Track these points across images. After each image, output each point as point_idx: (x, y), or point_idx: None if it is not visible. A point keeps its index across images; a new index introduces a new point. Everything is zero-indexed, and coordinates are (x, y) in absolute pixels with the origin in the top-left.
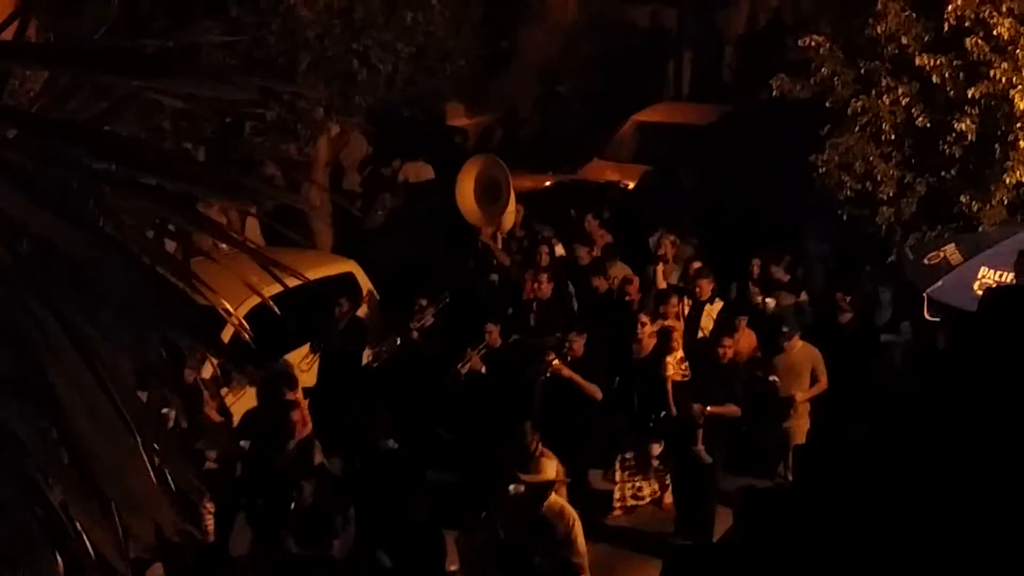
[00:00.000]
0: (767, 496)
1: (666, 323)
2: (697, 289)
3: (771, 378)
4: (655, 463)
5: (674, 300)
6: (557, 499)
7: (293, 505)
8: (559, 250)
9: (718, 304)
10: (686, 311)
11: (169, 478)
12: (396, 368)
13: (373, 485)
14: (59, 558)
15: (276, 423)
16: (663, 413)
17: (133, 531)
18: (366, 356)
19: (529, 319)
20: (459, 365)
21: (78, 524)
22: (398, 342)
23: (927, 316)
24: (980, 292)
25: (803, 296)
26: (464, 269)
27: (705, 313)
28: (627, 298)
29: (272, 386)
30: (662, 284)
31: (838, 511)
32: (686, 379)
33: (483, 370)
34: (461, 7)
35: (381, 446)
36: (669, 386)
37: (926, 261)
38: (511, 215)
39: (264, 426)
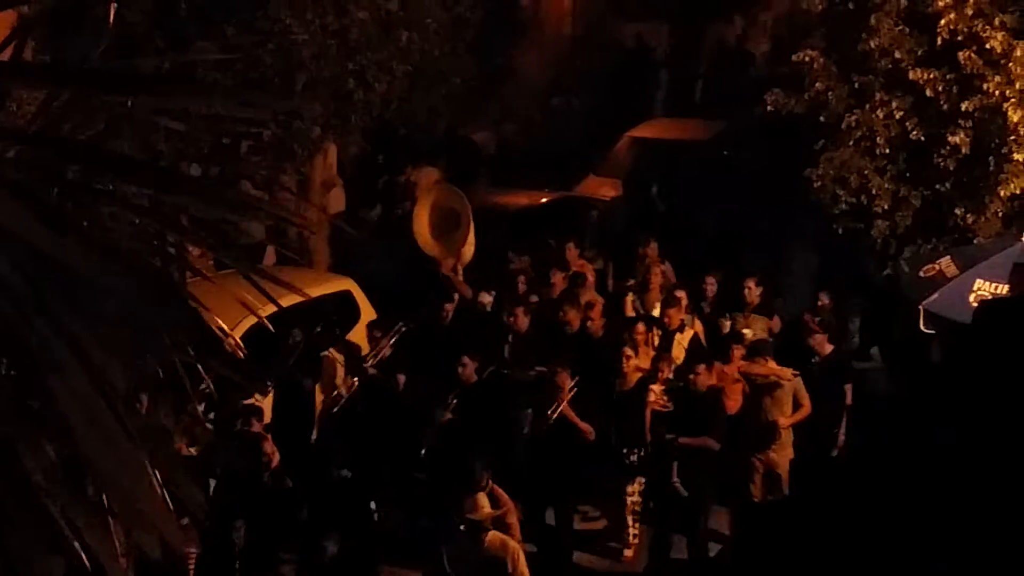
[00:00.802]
0: (761, 511)
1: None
2: (666, 319)
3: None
4: (632, 502)
5: (640, 328)
6: (496, 534)
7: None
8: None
9: (688, 333)
10: (656, 341)
11: (172, 493)
12: (357, 412)
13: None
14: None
15: (248, 456)
16: (642, 451)
17: (139, 545)
18: (320, 397)
19: (503, 352)
20: (438, 412)
21: (77, 535)
22: (354, 384)
23: (922, 328)
24: (975, 304)
25: (775, 320)
26: (426, 298)
27: (676, 342)
28: (589, 323)
29: (239, 419)
30: (630, 312)
31: (833, 526)
32: (666, 410)
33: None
34: (456, 26)
35: (334, 476)
36: (648, 414)
37: (921, 274)
38: (471, 246)
39: (235, 459)
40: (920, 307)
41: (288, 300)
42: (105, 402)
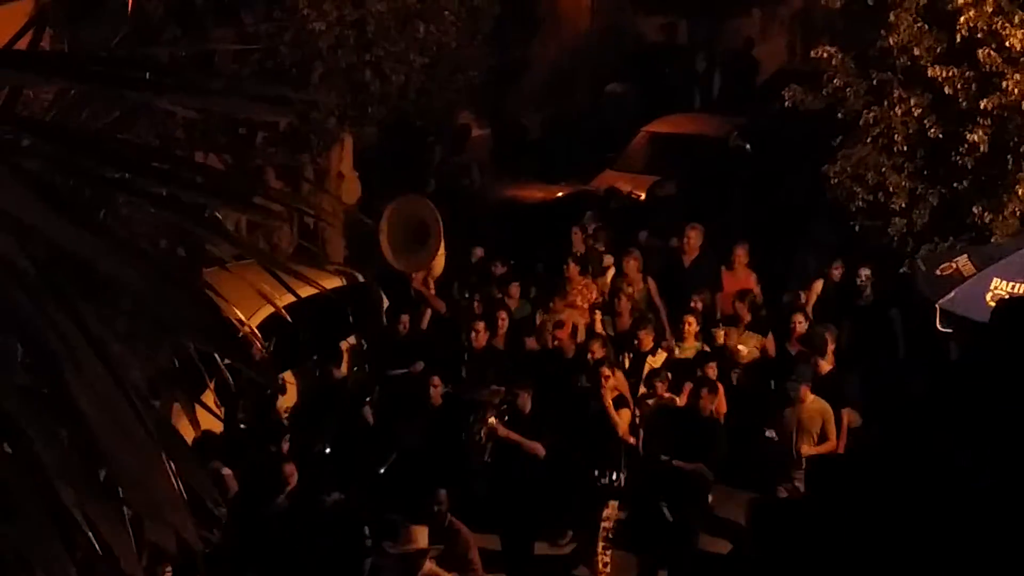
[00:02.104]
0: (777, 506)
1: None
2: (636, 340)
3: (768, 433)
4: (605, 528)
5: (595, 347)
6: (432, 567)
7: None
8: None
9: (660, 356)
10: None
11: (185, 486)
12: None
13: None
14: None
15: (268, 475)
16: (615, 474)
17: (153, 539)
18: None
19: (462, 371)
20: (406, 438)
21: (91, 526)
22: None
23: (939, 327)
24: (992, 303)
25: (769, 337)
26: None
27: (647, 365)
28: (555, 343)
29: (263, 439)
30: (599, 329)
31: (850, 522)
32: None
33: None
34: (474, 18)
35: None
36: (624, 431)
37: (938, 272)
38: (442, 258)
39: (252, 478)
40: (937, 305)
41: (305, 291)
42: (122, 394)
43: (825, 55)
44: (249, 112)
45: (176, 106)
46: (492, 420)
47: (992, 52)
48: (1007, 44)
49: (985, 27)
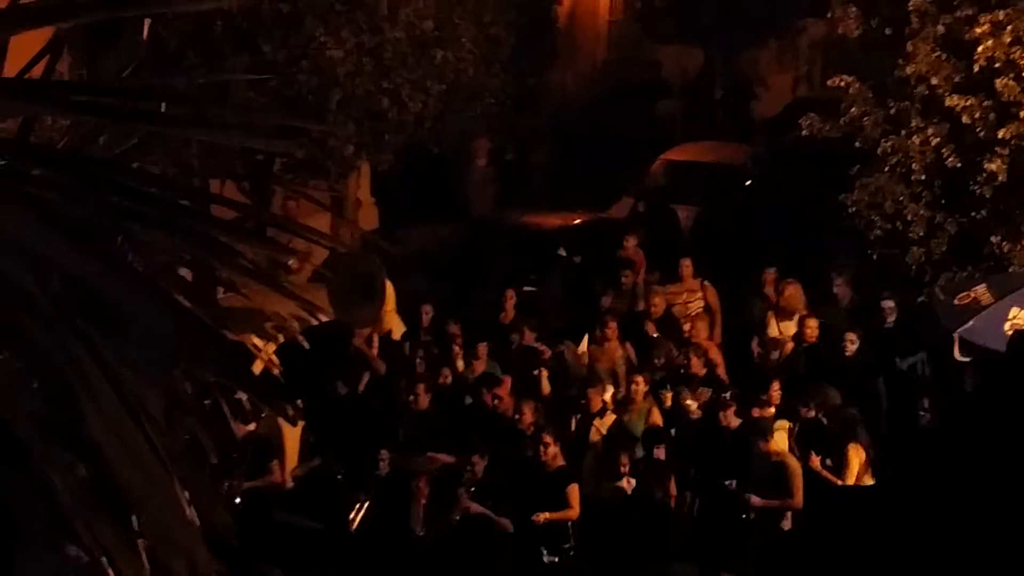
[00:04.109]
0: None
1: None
2: (584, 401)
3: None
4: None
5: (525, 410)
6: None
7: None
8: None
9: (609, 418)
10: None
11: (200, 515)
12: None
13: None
14: None
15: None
16: (568, 545)
17: (168, 567)
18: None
19: (398, 434)
20: (351, 515)
21: (106, 558)
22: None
23: (957, 356)
24: (1011, 332)
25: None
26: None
27: (594, 429)
28: (495, 403)
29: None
30: (546, 390)
31: (863, 557)
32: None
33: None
34: (491, 46)
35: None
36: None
37: (956, 301)
38: (392, 314)
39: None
40: (955, 335)
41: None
42: (135, 423)
43: (842, 84)
44: (266, 146)
45: (192, 137)
46: (466, 501)
47: (1010, 82)
48: None
49: (1003, 57)
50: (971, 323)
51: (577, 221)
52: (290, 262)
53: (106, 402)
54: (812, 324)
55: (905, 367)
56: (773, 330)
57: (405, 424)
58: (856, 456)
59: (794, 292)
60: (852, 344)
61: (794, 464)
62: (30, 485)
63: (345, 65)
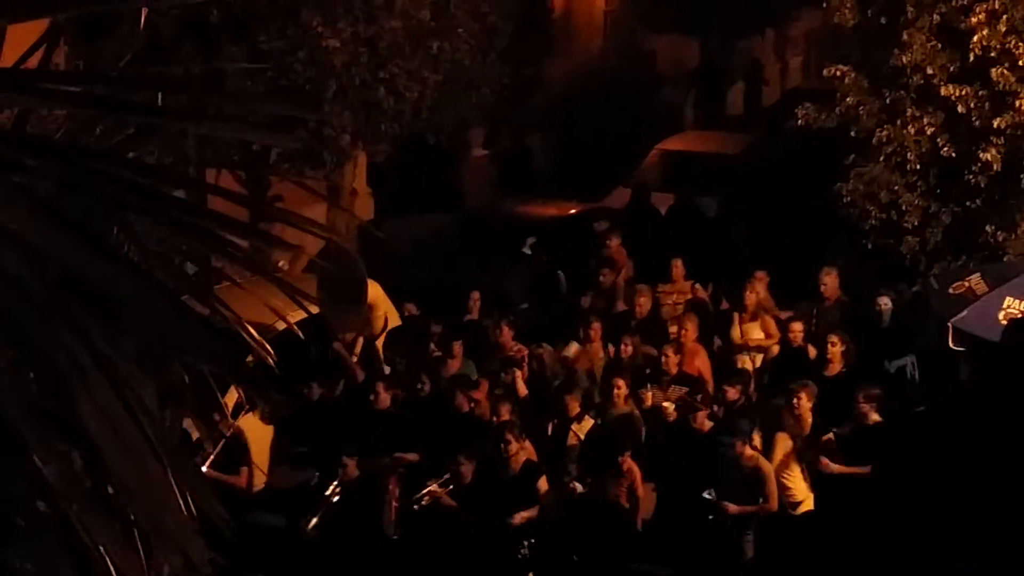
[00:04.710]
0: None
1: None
2: (562, 406)
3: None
4: None
5: (503, 409)
6: None
7: None
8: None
9: (587, 423)
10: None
11: (195, 508)
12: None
13: None
14: None
15: None
16: (528, 545)
17: (163, 560)
18: None
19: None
20: (307, 519)
21: (101, 548)
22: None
23: (951, 346)
24: (1005, 322)
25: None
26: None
27: (572, 433)
28: (471, 406)
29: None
30: (522, 391)
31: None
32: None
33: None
34: (487, 36)
35: None
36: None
37: (951, 291)
38: (379, 320)
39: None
40: (949, 324)
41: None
42: (130, 415)
43: (838, 74)
44: (262, 137)
45: (188, 128)
46: (435, 487)
47: (1005, 71)
48: (1020, 63)
49: (998, 46)
50: (965, 312)
51: (572, 211)
52: (280, 263)
53: (100, 393)
54: (796, 327)
55: (894, 370)
56: (736, 333)
57: (370, 425)
58: (782, 446)
59: (761, 292)
60: (834, 347)
61: (768, 468)
62: (24, 476)
63: (341, 55)
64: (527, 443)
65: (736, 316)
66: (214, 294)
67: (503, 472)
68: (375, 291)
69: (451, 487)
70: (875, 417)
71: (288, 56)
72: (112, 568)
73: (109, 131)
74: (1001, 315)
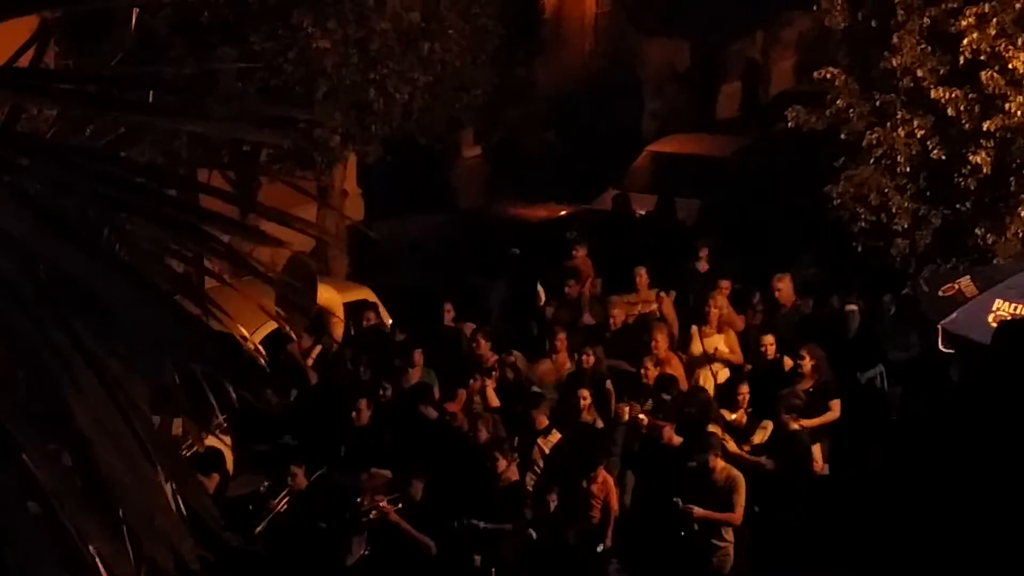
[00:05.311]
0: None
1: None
2: (530, 420)
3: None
4: None
5: (481, 425)
6: None
7: None
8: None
9: (554, 436)
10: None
11: (184, 506)
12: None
13: None
14: None
15: None
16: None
17: (152, 558)
18: None
19: (339, 451)
20: (256, 522)
21: (91, 548)
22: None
23: (941, 348)
24: (995, 324)
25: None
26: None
27: (537, 447)
28: (447, 417)
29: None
30: (494, 402)
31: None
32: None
33: (286, 521)
34: (478, 38)
35: None
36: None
37: (941, 293)
38: (339, 324)
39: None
40: (939, 326)
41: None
42: (121, 416)
43: (828, 76)
44: (252, 136)
45: (179, 127)
46: (383, 502)
47: (995, 74)
48: (1010, 66)
49: (988, 49)
50: (955, 315)
51: (562, 213)
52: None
53: (91, 392)
54: (768, 340)
55: (864, 381)
56: (697, 347)
57: (346, 440)
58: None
59: (723, 303)
60: (804, 362)
61: (741, 479)
62: (15, 476)
63: (332, 56)
64: (514, 463)
65: (696, 329)
66: (206, 295)
67: (491, 490)
68: (330, 295)
69: (399, 505)
70: (794, 426)
71: (279, 57)
72: (102, 568)
73: (100, 131)
74: (991, 317)
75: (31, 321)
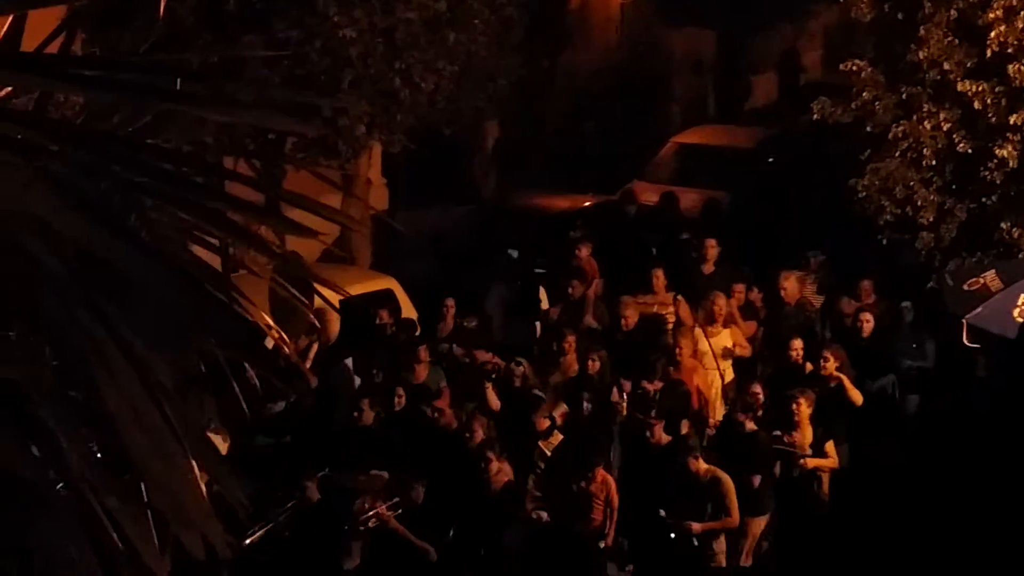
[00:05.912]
0: (805, 523)
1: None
2: (530, 423)
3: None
4: None
5: (477, 426)
6: None
7: None
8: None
9: (556, 438)
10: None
11: (214, 491)
12: None
13: None
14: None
15: None
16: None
17: (182, 543)
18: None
19: (342, 452)
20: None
21: (117, 533)
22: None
23: (966, 342)
24: (1020, 319)
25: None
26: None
27: (538, 451)
28: (435, 415)
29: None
30: (495, 404)
31: (877, 541)
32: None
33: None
34: (503, 27)
35: None
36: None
37: (966, 287)
38: (334, 323)
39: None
40: (964, 321)
41: (331, 297)
42: (151, 399)
43: (854, 68)
44: (278, 125)
45: (206, 115)
46: (382, 508)
47: (1022, 67)
48: None
49: (1016, 42)
50: (979, 309)
51: (587, 204)
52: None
53: (121, 376)
54: (796, 345)
55: (875, 389)
56: (704, 347)
57: (346, 441)
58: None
59: (723, 302)
60: (827, 363)
61: (727, 480)
62: (45, 459)
63: (357, 45)
64: (506, 464)
65: (701, 330)
66: (231, 281)
67: (484, 493)
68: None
69: (399, 511)
70: (751, 426)
71: (304, 45)
72: (129, 550)
73: (128, 118)
74: (1016, 312)
75: (62, 304)
